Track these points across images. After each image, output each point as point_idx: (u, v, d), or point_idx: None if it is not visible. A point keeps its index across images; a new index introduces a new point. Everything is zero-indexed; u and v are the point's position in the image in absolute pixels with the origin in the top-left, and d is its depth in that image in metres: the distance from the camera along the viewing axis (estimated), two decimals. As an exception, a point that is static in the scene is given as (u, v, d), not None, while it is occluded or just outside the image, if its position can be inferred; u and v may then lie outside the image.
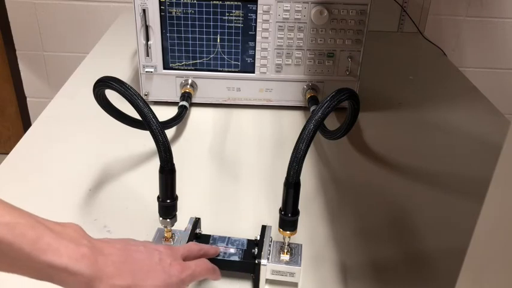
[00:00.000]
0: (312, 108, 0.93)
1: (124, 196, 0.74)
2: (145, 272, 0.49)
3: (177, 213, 0.59)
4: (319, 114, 0.54)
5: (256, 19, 0.91)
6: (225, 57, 0.94)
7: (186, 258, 0.55)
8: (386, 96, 1.07)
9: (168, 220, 0.59)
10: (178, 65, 0.95)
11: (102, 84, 0.61)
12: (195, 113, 0.97)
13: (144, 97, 0.96)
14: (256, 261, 0.57)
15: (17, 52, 1.68)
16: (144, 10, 0.89)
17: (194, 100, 0.97)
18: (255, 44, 0.93)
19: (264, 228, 0.61)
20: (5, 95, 1.79)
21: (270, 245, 0.59)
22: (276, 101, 0.99)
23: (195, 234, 0.61)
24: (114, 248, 0.49)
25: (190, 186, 0.75)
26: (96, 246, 0.47)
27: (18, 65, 1.71)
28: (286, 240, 0.58)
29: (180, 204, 0.59)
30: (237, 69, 0.95)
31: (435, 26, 1.51)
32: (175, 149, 0.61)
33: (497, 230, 0.29)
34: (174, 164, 0.57)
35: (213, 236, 0.62)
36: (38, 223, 0.44)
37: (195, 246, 0.57)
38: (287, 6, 0.90)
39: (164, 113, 0.85)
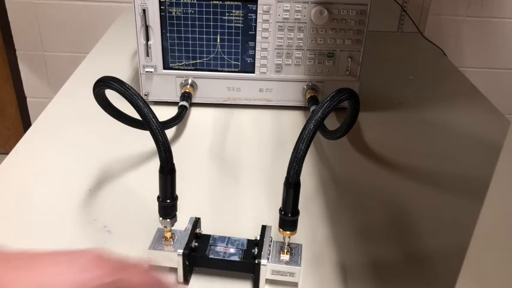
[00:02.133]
0: (312, 108, 0.93)
1: (124, 196, 0.74)
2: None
3: (177, 213, 0.59)
4: (319, 114, 0.54)
5: (256, 19, 0.91)
6: (225, 57, 0.94)
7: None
8: (386, 96, 1.07)
9: (168, 220, 0.59)
10: (178, 65, 0.95)
11: (102, 84, 0.61)
12: (195, 113, 0.97)
13: (144, 97, 0.96)
14: (256, 261, 0.57)
15: (17, 52, 1.68)
16: (144, 10, 0.89)
17: (194, 100, 0.97)
18: (255, 44, 0.93)
19: (264, 228, 0.61)
20: (5, 95, 1.79)
21: (270, 245, 0.59)
22: (276, 101, 0.99)
23: (195, 234, 0.61)
24: (23, 254, 0.42)
25: (190, 186, 0.75)
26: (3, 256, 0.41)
27: (18, 65, 1.71)
28: (286, 240, 0.58)
29: (180, 204, 0.59)
30: (237, 69, 0.95)
31: (435, 26, 1.52)
32: (175, 149, 0.61)
33: (497, 230, 0.29)
34: (174, 164, 0.57)
35: (213, 236, 0.62)
36: None
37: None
38: (287, 6, 0.90)
39: (164, 113, 0.85)
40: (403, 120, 0.99)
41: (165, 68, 0.95)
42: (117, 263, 0.44)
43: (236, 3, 0.89)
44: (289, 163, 0.54)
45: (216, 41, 0.92)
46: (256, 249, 0.59)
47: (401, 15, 1.41)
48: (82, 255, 0.43)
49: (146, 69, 0.94)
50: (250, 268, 0.58)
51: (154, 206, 0.58)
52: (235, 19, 0.91)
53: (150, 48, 0.92)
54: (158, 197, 0.58)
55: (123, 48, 1.21)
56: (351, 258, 0.65)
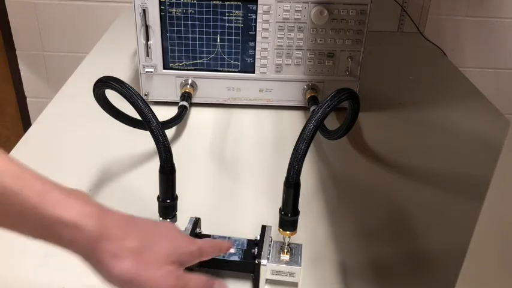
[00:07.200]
0: (312, 108, 0.93)
1: (124, 196, 0.74)
2: (153, 237, 0.48)
3: (177, 213, 0.59)
4: (319, 114, 0.54)
5: (256, 19, 0.91)
6: (225, 57, 0.94)
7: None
8: (386, 96, 1.07)
9: (168, 220, 0.59)
10: (178, 65, 0.95)
11: (102, 84, 0.61)
12: (195, 113, 0.97)
13: (144, 97, 0.96)
14: (256, 261, 0.57)
15: (17, 52, 1.68)
16: (144, 10, 0.89)
17: (194, 100, 0.97)
18: (255, 44, 0.93)
19: (264, 228, 0.61)
20: (5, 95, 1.79)
21: (270, 245, 0.60)
22: (276, 101, 0.99)
23: (195, 234, 0.61)
24: (120, 213, 0.48)
25: (190, 186, 0.75)
26: (104, 208, 0.46)
27: (18, 65, 1.71)
28: (286, 240, 0.58)
29: (180, 204, 0.59)
30: (237, 69, 0.95)
31: (435, 26, 1.51)
32: (175, 149, 0.61)
33: (497, 230, 0.29)
34: (174, 164, 0.57)
35: (213, 236, 0.62)
36: (45, 179, 0.43)
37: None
38: (287, 6, 0.90)
39: (164, 113, 0.85)
40: (403, 120, 0.99)
41: (165, 68, 0.95)
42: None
43: (236, 3, 0.89)
44: (289, 163, 0.54)
45: (216, 41, 0.92)
46: (256, 249, 0.59)
47: (401, 15, 1.41)
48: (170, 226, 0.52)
49: (146, 69, 0.94)
50: (250, 268, 0.58)
51: (155, 206, 0.59)
52: (235, 19, 0.91)
53: (150, 48, 0.92)
54: (158, 197, 0.58)
55: (123, 48, 1.21)
56: (351, 258, 0.65)
